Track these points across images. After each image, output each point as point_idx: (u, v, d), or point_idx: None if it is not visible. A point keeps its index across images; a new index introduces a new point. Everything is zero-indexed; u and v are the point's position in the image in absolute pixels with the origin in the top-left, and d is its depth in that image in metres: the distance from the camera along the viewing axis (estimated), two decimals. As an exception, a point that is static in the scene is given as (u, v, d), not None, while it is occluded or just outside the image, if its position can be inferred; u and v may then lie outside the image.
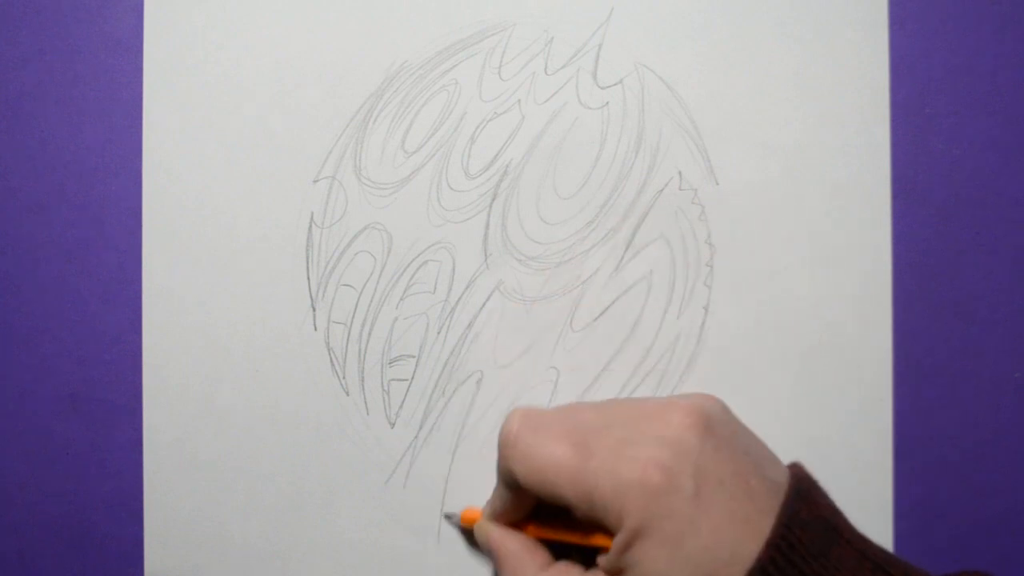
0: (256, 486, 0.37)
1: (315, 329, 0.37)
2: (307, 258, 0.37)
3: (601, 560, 0.30)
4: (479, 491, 0.37)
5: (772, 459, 0.30)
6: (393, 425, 0.37)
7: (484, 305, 0.37)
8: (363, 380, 0.37)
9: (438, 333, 0.37)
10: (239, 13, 0.37)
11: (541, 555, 0.32)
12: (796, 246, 0.37)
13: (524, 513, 0.33)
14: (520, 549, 0.33)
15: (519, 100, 0.37)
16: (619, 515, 0.28)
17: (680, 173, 0.37)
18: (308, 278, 0.37)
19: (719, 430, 0.30)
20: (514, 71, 0.37)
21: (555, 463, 0.29)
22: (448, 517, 0.37)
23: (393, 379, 0.37)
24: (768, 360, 0.37)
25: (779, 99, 0.37)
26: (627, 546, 0.28)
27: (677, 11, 0.37)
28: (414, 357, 0.37)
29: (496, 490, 0.33)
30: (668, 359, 0.37)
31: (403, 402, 0.37)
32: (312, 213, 0.37)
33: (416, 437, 0.37)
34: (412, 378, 0.37)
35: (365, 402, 0.37)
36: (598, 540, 0.31)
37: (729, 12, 0.37)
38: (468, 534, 0.37)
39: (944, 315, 0.37)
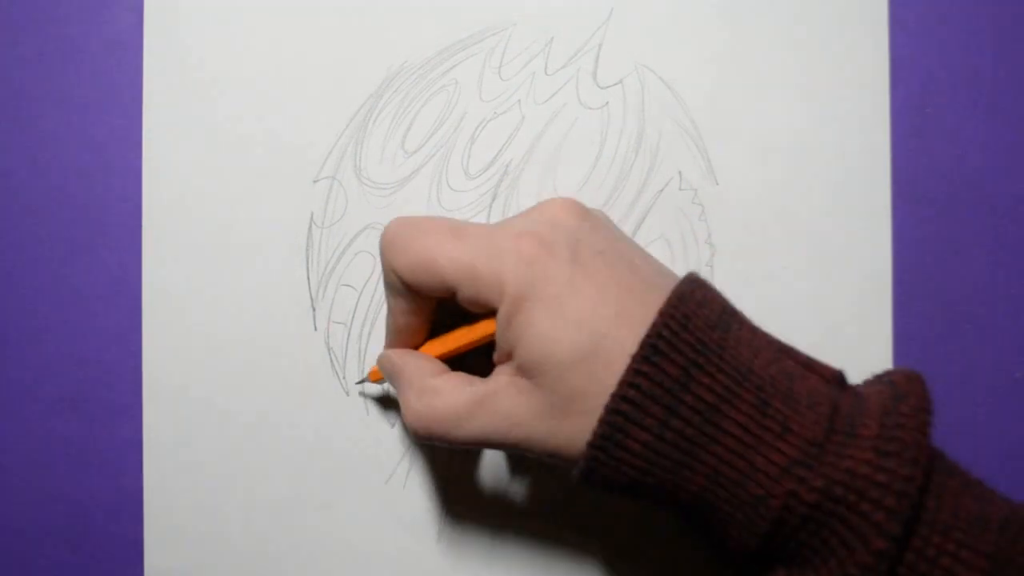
0: (256, 486, 0.37)
1: (315, 329, 0.37)
2: (307, 258, 0.37)
3: (495, 355, 0.30)
4: (479, 491, 0.37)
5: (663, 266, 0.31)
6: (393, 425, 0.37)
7: (484, 305, 0.37)
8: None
9: (438, 333, 0.37)
10: (239, 13, 0.37)
11: (438, 366, 0.32)
12: (796, 246, 0.37)
13: (420, 328, 0.33)
14: (417, 362, 0.32)
15: (519, 100, 0.37)
16: (500, 288, 0.28)
17: (680, 173, 0.37)
18: (308, 278, 0.37)
19: (596, 219, 0.30)
20: (514, 71, 0.37)
21: (432, 246, 0.30)
22: (360, 384, 0.37)
23: (393, 379, 0.37)
24: (768, 360, 0.37)
25: (779, 99, 0.37)
26: (510, 317, 0.28)
27: (677, 11, 0.37)
28: (414, 357, 0.37)
29: (388, 310, 0.33)
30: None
31: (403, 402, 0.37)
32: (312, 213, 0.37)
33: (416, 437, 0.37)
34: (412, 378, 0.37)
35: (365, 402, 0.37)
36: (489, 327, 0.31)
37: (729, 12, 0.37)
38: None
39: (944, 315, 0.37)
